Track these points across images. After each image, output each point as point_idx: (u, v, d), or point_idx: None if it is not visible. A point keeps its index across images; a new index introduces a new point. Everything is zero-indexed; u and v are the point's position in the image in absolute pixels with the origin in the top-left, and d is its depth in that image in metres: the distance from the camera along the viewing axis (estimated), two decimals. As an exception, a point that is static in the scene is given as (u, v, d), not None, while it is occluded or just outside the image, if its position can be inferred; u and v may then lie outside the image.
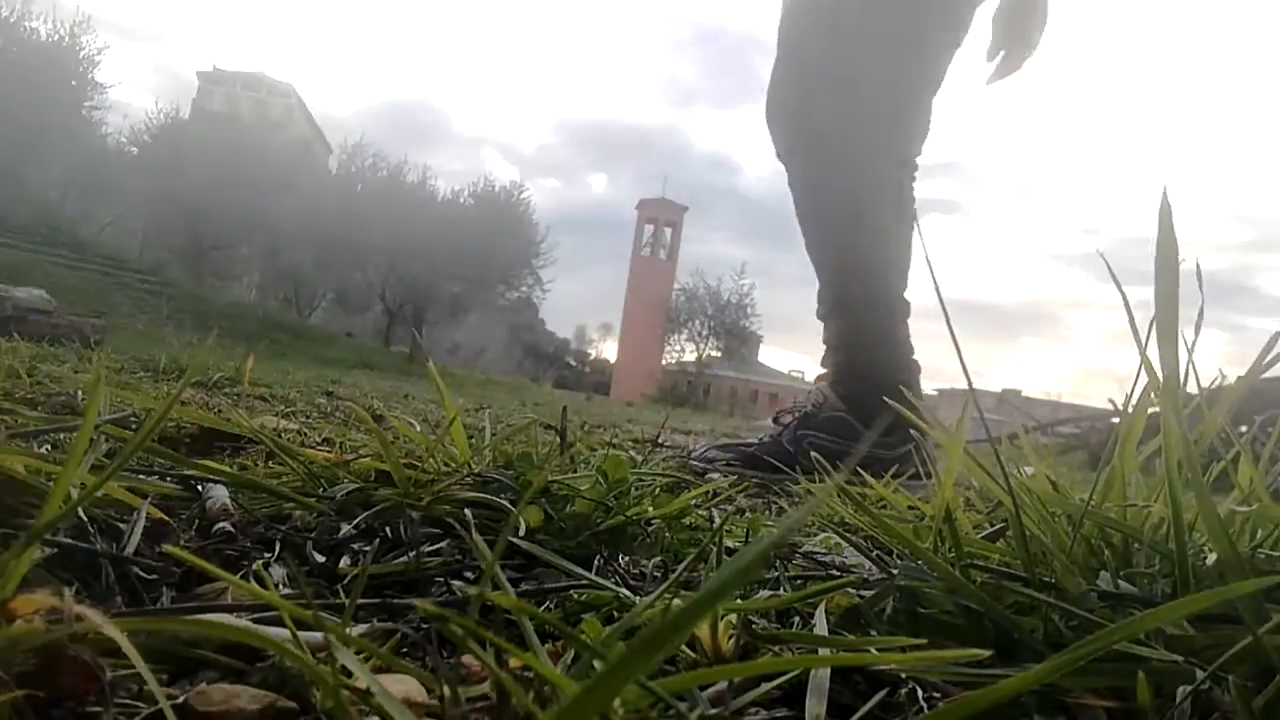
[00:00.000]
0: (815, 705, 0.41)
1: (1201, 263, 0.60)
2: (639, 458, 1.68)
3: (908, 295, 2.04)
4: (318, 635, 0.36)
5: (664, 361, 45.07)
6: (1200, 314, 0.61)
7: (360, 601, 0.54)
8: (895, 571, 0.58)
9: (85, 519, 0.59)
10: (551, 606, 0.60)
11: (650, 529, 0.83)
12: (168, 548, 0.46)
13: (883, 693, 0.45)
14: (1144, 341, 0.59)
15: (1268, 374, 0.65)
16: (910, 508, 0.87)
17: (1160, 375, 0.58)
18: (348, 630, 0.38)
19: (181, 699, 0.38)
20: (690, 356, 44.43)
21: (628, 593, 0.59)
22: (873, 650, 0.47)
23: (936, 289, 0.61)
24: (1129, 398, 0.65)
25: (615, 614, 0.57)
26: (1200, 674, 0.42)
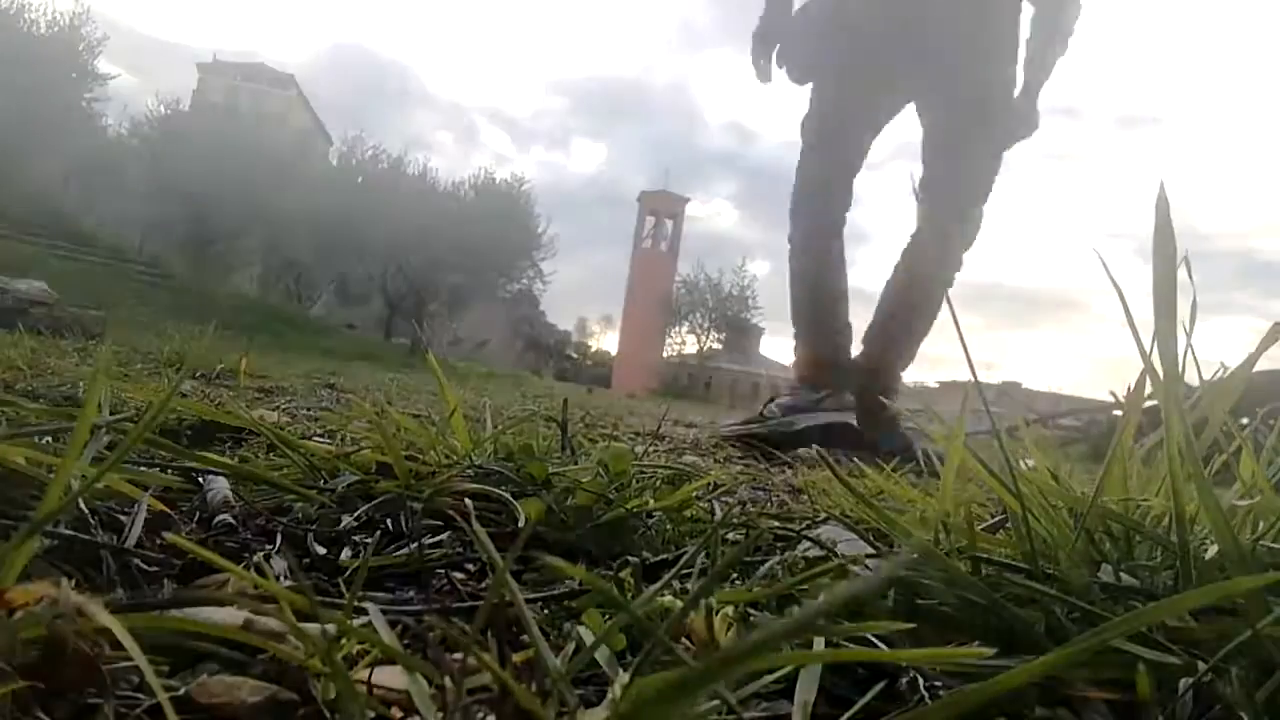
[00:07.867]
0: (805, 691, 0.41)
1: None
2: (640, 450, 1.67)
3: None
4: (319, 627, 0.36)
5: (665, 354, 45.04)
6: (1194, 307, 0.60)
7: (361, 593, 0.54)
8: (896, 564, 0.58)
9: (86, 510, 0.59)
10: (552, 599, 0.60)
11: (651, 521, 0.83)
12: (169, 537, 0.46)
13: (883, 683, 0.45)
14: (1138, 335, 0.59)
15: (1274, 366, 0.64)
16: (910, 501, 0.86)
17: (1160, 369, 0.58)
18: (349, 622, 0.38)
19: (182, 691, 0.38)
20: (691, 349, 44.43)
21: (629, 585, 0.59)
22: (871, 638, 0.47)
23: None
24: (1129, 391, 0.65)
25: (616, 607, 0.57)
26: (1202, 667, 0.42)
